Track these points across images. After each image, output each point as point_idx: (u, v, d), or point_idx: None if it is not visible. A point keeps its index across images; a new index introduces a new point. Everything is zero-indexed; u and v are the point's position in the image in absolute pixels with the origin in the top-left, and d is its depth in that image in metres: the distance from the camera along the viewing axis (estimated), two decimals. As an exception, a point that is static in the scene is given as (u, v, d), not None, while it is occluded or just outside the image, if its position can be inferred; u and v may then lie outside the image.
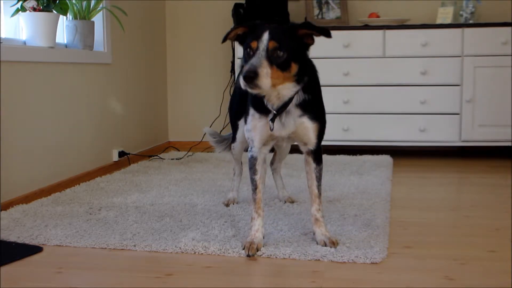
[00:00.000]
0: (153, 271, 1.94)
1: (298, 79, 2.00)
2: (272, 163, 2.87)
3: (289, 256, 2.02)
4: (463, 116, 4.05)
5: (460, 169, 3.85)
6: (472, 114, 4.04)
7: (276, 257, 2.03)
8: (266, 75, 1.86)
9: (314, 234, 2.17)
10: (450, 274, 1.87)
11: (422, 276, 1.86)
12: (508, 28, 3.96)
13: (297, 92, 2.05)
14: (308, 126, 2.10)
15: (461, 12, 4.22)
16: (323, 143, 4.25)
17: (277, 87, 1.96)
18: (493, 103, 4.02)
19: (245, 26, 2.03)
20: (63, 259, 2.06)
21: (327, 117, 4.24)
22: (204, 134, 4.63)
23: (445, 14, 4.19)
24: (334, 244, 2.09)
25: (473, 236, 2.30)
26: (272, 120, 2.06)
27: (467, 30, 4.01)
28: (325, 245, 2.10)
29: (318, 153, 2.18)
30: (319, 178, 2.18)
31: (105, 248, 2.17)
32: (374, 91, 4.15)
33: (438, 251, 2.11)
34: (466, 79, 4.03)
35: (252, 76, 1.84)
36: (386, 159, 4.03)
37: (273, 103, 2.05)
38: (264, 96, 2.05)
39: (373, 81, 4.14)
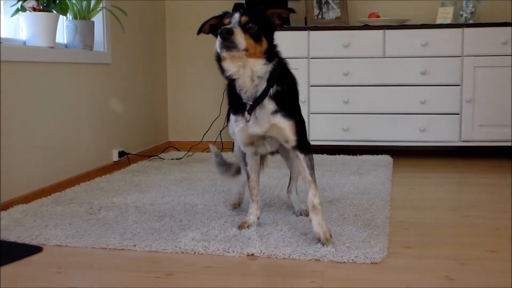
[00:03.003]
0: (153, 271, 1.94)
1: (268, 57, 2.10)
2: (289, 190, 2.72)
3: (289, 256, 2.02)
4: (463, 116, 4.05)
5: (460, 169, 3.85)
6: (472, 114, 4.04)
7: (276, 257, 2.03)
8: (240, 36, 2.00)
9: (310, 221, 2.14)
10: (450, 274, 1.87)
11: (422, 276, 1.86)
12: (508, 28, 3.96)
13: (269, 76, 2.11)
14: (283, 126, 2.16)
15: (461, 12, 4.22)
16: (322, 142, 4.22)
17: (248, 60, 2.05)
18: (493, 103, 4.02)
19: (217, 17, 2.20)
20: (63, 259, 2.06)
21: (327, 117, 4.23)
22: (204, 134, 4.64)
23: (445, 14, 4.19)
24: (327, 240, 2.07)
25: (473, 236, 2.30)
26: (249, 111, 2.13)
27: (467, 30, 4.01)
28: (320, 239, 2.09)
29: (304, 145, 2.21)
30: (310, 167, 2.19)
31: (105, 248, 2.17)
32: (374, 91, 4.15)
33: (438, 251, 2.11)
34: (466, 79, 4.03)
35: (228, 32, 1.98)
36: (386, 159, 4.03)
37: (246, 90, 2.12)
38: (239, 90, 2.14)
39: (373, 81, 4.15)
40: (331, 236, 2.11)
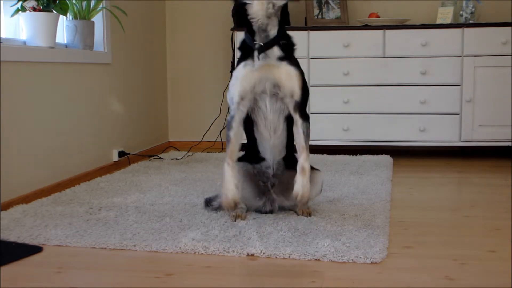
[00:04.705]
0: (153, 271, 1.94)
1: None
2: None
3: (289, 256, 2.02)
4: (463, 116, 4.05)
5: (460, 169, 3.85)
6: (472, 114, 4.04)
7: (276, 257, 2.03)
8: None
9: (295, 182, 2.32)
10: (450, 274, 1.87)
11: (422, 276, 1.86)
12: (508, 28, 3.96)
13: (279, 22, 2.32)
14: (290, 72, 2.30)
15: (461, 12, 4.22)
16: (322, 142, 4.23)
17: None
18: (493, 103, 4.02)
19: None
20: (63, 259, 2.06)
21: (327, 117, 4.23)
22: (204, 134, 4.64)
23: (445, 14, 4.19)
24: (303, 203, 2.33)
25: (473, 236, 2.30)
26: (259, 52, 2.28)
27: (467, 30, 4.01)
28: (296, 197, 2.29)
29: (304, 110, 2.36)
30: (306, 134, 2.35)
31: (105, 248, 2.17)
32: (374, 91, 4.15)
33: (438, 251, 2.11)
34: (466, 79, 4.03)
35: None
36: (386, 159, 4.03)
37: (259, 18, 2.26)
38: (251, 19, 2.28)
39: (373, 81, 4.15)
40: (308, 203, 2.31)
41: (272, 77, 2.30)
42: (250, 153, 2.50)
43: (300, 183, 2.31)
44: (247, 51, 2.35)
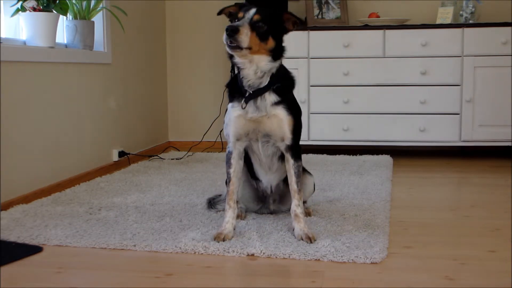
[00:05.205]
0: (153, 271, 1.94)
1: (274, 56, 2.18)
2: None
3: (289, 256, 2.02)
4: (463, 116, 4.05)
5: (460, 169, 3.85)
6: (472, 114, 4.04)
7: (276, 257, 2.03)
8: (245, 34, 2.07)
9: (293, 229, 2.23)
10: (450, 274, 1.87)
11: (422, 276, 1.86)
12: (508, 28, 3.96)
13: (272, 74, 2.18)
14: (282, 118, 2.21)
15: (461, 12, 4.22)
16: (322, 142, 4.23)
17: (253, 56, 2.13)
18: (493, 103, 4.02)
19: (236, 6, 2.26)
20: (63, 259, 2.06)
21: (327, 117, 4.23)
22: (204, 134, 4.64)
23: (445, 14, 4.19)
24: (310, 239, 2.14)
25: (473, 236, 2.30)
26: (246, 100, 2.19)
27: (467, 30, 4.01)
28: (302, 239, 2.16)
29: (296, 150, 2.28)
30: (298, 175, 2.28)
31: (105, 248, 2.17)
32: (374, 91, 4.15)
33: (438, 251, 2.11)
34: (466, 79, 4.03)
35: (234, 30, 2.05)
36: (386, 159, 4.03)
37: (249, 79, 2.18)
38: (242, 78, 2.18)
39: (373, 81, 4.15)
40: (313, 237, 2.16)
41: (263, 128, 2.23)
42: (249, 169, 2.48)
43: (298, 228, 2.21)
44: (237, 88, 2.24)
